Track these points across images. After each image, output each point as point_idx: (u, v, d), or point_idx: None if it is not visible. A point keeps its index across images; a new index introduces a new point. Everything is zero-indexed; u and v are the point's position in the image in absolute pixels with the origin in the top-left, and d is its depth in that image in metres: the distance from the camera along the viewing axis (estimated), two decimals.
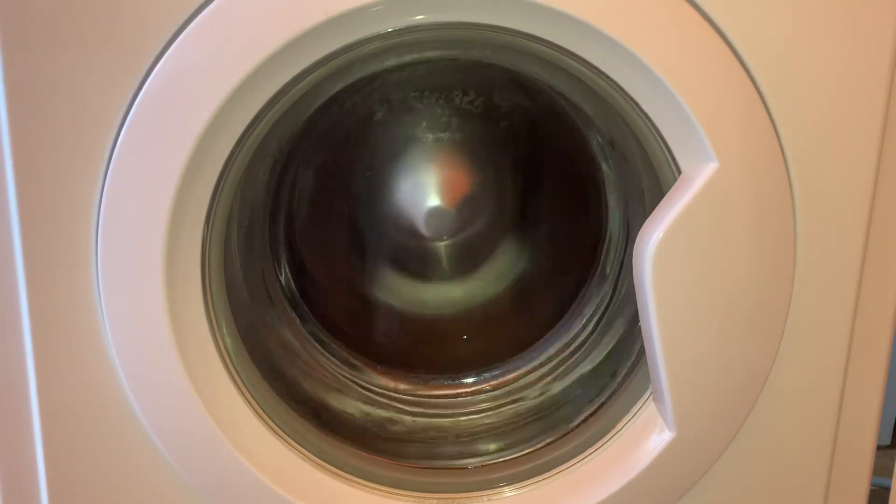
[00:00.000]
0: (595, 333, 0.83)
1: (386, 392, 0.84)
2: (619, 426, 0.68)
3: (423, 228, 0.80)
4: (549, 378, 0.84)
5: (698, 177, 0.58)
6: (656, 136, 0.60)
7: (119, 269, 0.58)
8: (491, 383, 0.86)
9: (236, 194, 0.67)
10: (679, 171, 0.60)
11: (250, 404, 0.64)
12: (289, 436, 0.66)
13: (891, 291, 0.65)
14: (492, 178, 0.84)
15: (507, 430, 0.82)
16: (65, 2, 0.54)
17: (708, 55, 0.56)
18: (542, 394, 0.84)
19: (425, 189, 0.82)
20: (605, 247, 0.85)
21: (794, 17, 0.57)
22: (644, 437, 0.66)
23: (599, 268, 0.85)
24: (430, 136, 0.81)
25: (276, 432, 0.65)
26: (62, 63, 0.55)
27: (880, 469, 0.99)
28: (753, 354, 0.63)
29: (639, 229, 0.60)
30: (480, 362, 0.87)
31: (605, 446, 0.68)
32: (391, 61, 0.69)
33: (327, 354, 0.84)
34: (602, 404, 0.73)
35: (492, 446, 0.77)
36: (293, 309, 0.84)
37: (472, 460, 0.75)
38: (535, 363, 0.86)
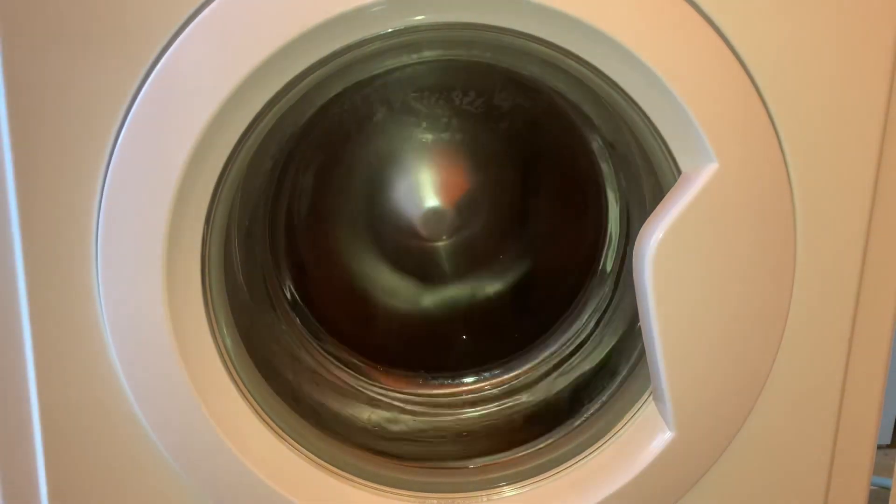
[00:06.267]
0: (595, 333, 0.83)
1: (386, 392, 0.84)
2: (619, 426, 0.68)
3: (423, 229, 0.80)
4: (549, 378, 0.84)
5: (698, 177, 0.58)
6: (656, 136, 0.60)
7: (119, 270, 0.58)
8: (491, 382, 0.86)
9: (236, 194, 0.67)
10: (679, 172, 0.60)
11: (250, 404, 0.64)
12: (289, 436, 0.66)
13: (891, 291, 0.65)
14: (492, 178, 0.84)
15: (507, 429, 0.82)
16: (65, 1, 0.54)
17: (708, 55, 0.56)
18: (542, 393, 0.84)
19: (426, 189, 0.82)
20: (606, 247, 0.85)
21: (794, 17, 0.57)
22: (644, 437, 0.66)
23: (599, 268, 0.85)
24: (430, 137, 0.81)
25: (276, 432, 0.65)
26: (62, 62, 0.55)
27: (880, 469, 0.99)
28: (753, 355, 0.63)
29: (639, 229, 0.60)
30: (481, 362, 0.87)
31: (605, 446, 0.68)
32: (391, 62, 0.69)
33: (327, 354, 0.84)
34: (602, 404, 0.73)
35: (492, 446, 0.77)
36: (293, 309, 0.84)
37: (472, 460, 0.75)
38: (535, 363, 0.86)
